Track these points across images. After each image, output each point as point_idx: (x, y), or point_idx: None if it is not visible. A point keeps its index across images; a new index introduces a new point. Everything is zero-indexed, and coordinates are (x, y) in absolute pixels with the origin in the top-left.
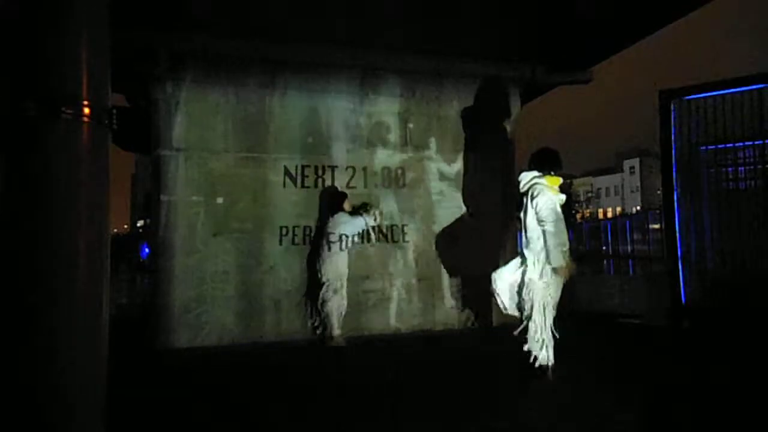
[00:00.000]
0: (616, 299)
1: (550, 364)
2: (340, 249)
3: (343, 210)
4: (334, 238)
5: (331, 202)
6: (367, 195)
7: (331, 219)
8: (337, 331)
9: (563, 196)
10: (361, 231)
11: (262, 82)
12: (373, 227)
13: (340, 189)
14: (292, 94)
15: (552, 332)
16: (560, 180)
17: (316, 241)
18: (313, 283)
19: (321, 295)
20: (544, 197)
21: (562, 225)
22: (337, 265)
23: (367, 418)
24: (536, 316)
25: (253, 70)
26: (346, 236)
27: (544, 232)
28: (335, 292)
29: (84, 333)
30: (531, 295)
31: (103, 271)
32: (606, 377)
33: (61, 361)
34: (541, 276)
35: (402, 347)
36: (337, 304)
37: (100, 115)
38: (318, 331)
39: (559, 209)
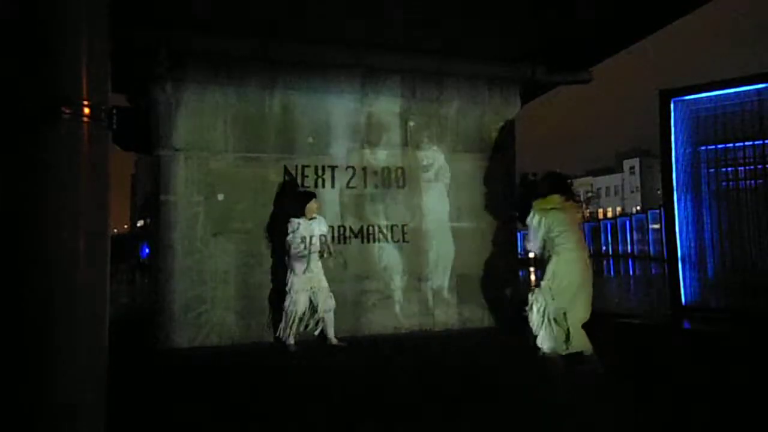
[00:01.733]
0: (615, 299)
1: (546, 352)
2: (301, 254)
3: (305, 216)
4: (296, 242)
5: (300, 203)
6: (367, 195)
7: (295, 221)
8: (290, 340)
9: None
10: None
11: (262, 82)
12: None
13: (305, 189)
14: (293, 94)
15: (547, 326)
16: (547, 200)
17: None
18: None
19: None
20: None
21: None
22: (297, 270)
23: (367, 419)
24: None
25: (253, 69)
26: (305, 238)
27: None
28: (291, 296)
29: (84, 333)
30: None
31: (103, 271)
32: (605, 377)
33: (61, 361)
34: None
35: (402, 347)
36: (291, 309)
37: (100, 115)
38: (316, 332)
39: (540, 226)
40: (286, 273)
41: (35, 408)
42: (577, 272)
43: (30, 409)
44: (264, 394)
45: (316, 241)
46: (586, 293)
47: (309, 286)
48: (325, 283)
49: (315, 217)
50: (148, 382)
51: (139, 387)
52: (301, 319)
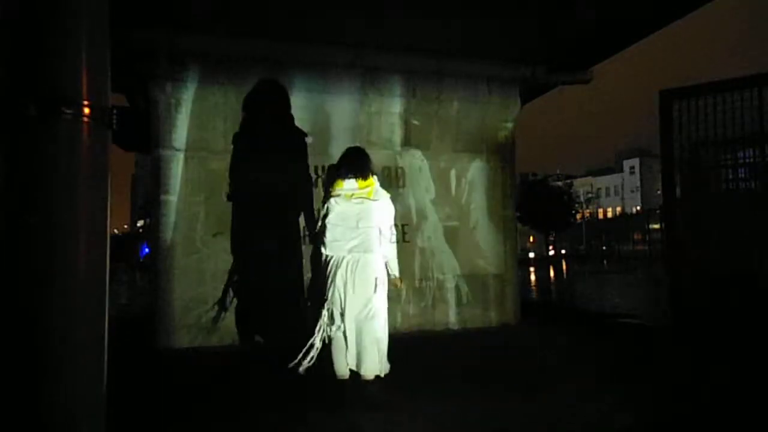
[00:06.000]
0: (616, 299)
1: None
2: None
3: None
4: None
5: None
6: None
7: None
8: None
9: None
10: None
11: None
12: None
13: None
14: (293, 94)
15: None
16: (342, 182)
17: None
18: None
19: None
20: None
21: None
22: None
23: (366, 418)
24: None
25: (253, 70)
26: None
27: None
28: None
29: (84, 333)
30: None
31: (103, 271)
32: (605, 377)
33: (61, 362)
34: None
35: (402, 348)
36: None
37: (100, 115)
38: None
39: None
40: None
41: (35, 409)
42: None
43: (30, 409)
44: (264, 394)
45: None
46: None
47: None
48: None
49: None
50: (148, 383)
51: (139, 387)
52: None
